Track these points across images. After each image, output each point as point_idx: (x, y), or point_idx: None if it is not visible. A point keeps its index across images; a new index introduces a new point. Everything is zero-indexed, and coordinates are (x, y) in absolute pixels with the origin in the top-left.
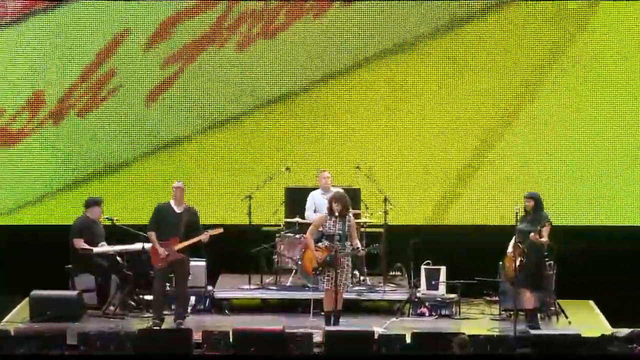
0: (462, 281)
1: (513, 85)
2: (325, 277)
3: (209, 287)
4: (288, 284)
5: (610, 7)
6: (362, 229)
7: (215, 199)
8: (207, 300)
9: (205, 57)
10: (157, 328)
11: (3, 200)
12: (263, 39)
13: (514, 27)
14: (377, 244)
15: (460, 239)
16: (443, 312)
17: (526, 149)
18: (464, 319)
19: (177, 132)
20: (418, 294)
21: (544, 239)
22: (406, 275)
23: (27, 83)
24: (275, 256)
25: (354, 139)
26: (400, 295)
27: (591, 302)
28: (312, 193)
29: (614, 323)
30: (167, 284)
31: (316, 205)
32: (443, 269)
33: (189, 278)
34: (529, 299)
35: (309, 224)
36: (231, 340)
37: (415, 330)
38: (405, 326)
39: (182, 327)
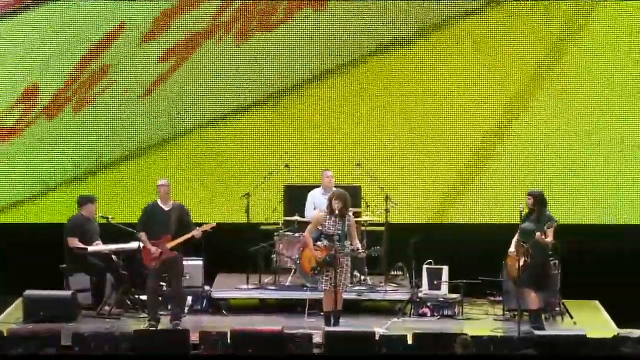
0: (465, 281)
1: (517, 82)
2: (325, 277)
3: (207, 287)
4: (287, 284)
5: (614, 5)
6: (363, 228)
7: (213, 196)
8: (205, 301)
9: (203, 52)
10: (154, 329)
11: None
12: (262, 33)
13: (518, 24)
14: (378, 247)
15: (463, 238)
16: (445, 312)
17: (531, 146)
18: (466, 319)
19: (174, 128)
20: (420, 294)
21: (550, 239)
22: (408, 275)
23: (21, 78)
24: (274, 255)
25: (355, 135)
26: (402, 295)
27: (597, 303)
28: (313, 192)
29: (620, 324)
30: (163, 284)
31: (316, 205)
32: (445, 268)
33: (186, 277)
34: (533, 299)
35: (309, 223)
36: (229, 341)
37: (417, 331)
38: (407, 327)
39: (179, 327)
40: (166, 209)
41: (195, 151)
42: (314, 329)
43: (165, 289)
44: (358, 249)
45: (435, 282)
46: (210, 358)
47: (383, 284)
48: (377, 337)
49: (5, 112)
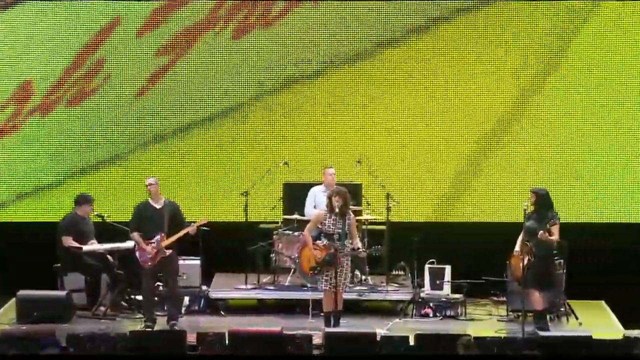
0: (467, 281)
1: (520, 80)
2: (324, 277)
3: (204, 287)
4: (286, 284)
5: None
6: (364, 227)
7: (210, 194)
8: (202, 301)
9: (200, 46)
10: (150, 329)
11: None
12: (260, 28)
13: (520, 23)
14: (378, 246)
15: (466, 237)
16: (448, 313)
17: (535, 143)
18: (469, 320)
19: (171, 125)
20: (422, 294)
21: (554, 237)
22: (409, 275)
23: (14, 73)
24: (273, 255)
25: (355, 131)
26: (404, 295)
27: (603, 303)
28: (313, 189)
29: (626, 324)
30: (159, 284)
31: (317, 203)
32: (448, 268)
33: (183, 277)
34: (537, 299)
35: (308, 221)
36: (227, 342)
37: (419, 332)
38: (408, 327)
39: (176, 328)
40: (158, 206)
41: (192, 148)
42: (314, 329)
43: (161, 288)
44: (358, 248)
45: (438, 282)
46: (207, 359)
47: (384, 284)
48: (378, 338)
49: None
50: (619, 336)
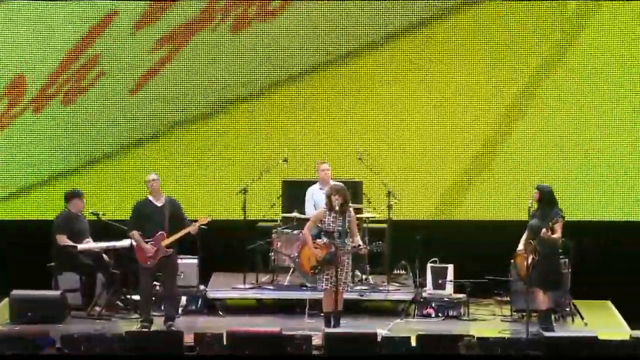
0: (470, 280)
1: (524, 76)
2: (325, 276)
3: (202, 287)
4: (285, 283)
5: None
6: (365, 225)
7: (208, 192)
8: (200, 301)
9: (197, 41)
10: (146, 330)
11: None
12: (259, 22)
13: (523, 21)
14: (379, 242)
15: (468, 235)
16: (450, 313)
17: (541, 140)
18: (472, 320)
19: (167, 121)
20: (424, 294)
21: (556, 235)
22: (411, 274)
23: (7, 68)
24: (272, 254)
25: (356, 128)
26: (405, 295)
27: (609, 303)
28: (310, 188)
29: (633, 325)
30: (156, 283)
31: (316, 202)
32: (450, 267)
33: (180, 277)
34: (542, 299)
35: (308, 220)
36: (225, 342)
37: (421, 332)
38: (410, 328)
39: (173, 329)
40: (158, 204)
41: (189, 145)
42: (314, 330)
43: (158, 288)
44: (359, 245)
45: (440, 281)
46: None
47: (385, 283)
48: (379, 339)
49: None
50: (626, 337)
